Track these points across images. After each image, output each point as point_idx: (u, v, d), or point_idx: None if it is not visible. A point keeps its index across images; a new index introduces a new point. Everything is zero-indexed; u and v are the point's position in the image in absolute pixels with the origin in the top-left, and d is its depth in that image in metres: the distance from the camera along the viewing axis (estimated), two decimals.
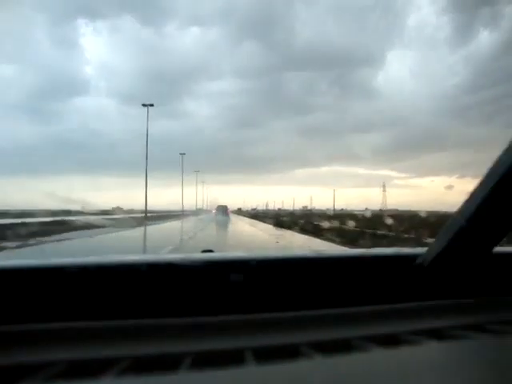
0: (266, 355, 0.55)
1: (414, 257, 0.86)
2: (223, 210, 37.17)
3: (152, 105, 31.89)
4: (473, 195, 0.76)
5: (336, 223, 18.26)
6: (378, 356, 0.56)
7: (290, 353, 0.58)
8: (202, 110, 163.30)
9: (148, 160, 28.75)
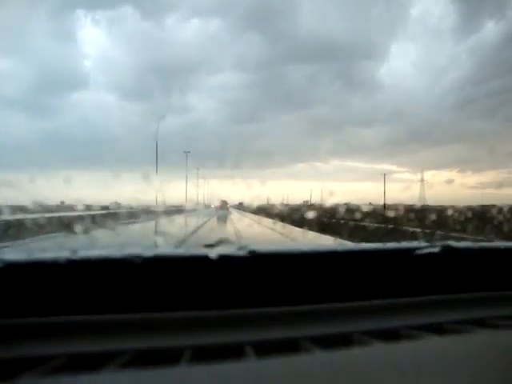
0: (265, 349, 0.55)
1: (414, 251, 0.86)
2: (223, 205, 38.34)
3: None
4: None
5: None
6: (379, 350, 0.56)
7: (290, 347, 0.58)
8: (202, 103, 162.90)
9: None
